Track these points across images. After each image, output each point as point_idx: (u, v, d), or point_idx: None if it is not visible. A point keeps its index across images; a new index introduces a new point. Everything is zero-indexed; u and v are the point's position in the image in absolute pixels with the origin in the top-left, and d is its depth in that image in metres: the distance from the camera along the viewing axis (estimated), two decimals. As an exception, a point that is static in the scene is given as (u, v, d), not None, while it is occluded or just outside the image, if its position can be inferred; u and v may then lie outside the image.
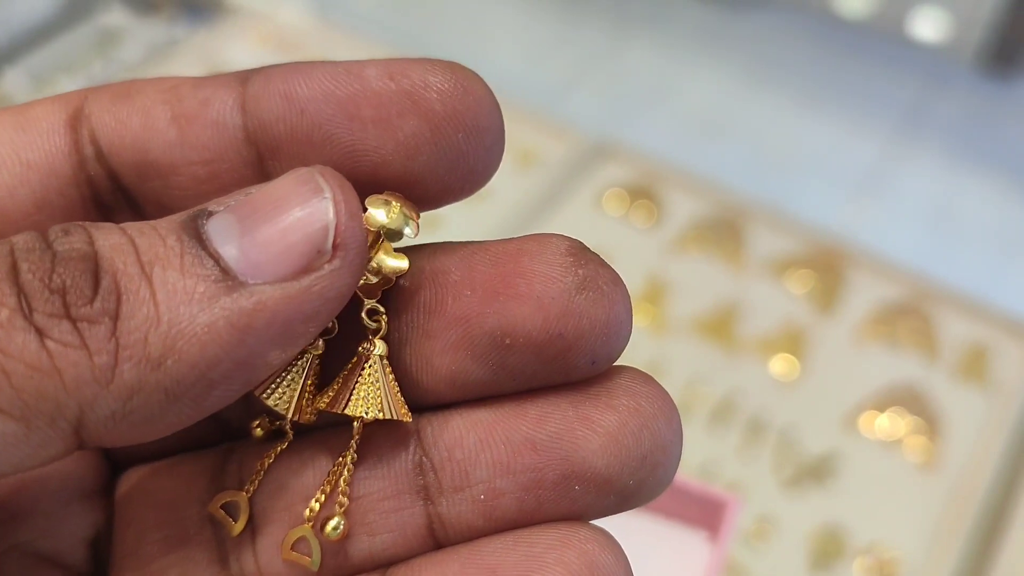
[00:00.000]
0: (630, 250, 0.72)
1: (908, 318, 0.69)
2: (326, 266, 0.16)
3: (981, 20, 1.13)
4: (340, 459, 0.18)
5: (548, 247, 0.17)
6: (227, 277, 0.15)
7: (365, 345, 0.18)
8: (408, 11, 1.13)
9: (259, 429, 0.20)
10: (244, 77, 0.19)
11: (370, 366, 0.18)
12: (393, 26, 1.10)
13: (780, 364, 0.67)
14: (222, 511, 0.19)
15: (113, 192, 0.19)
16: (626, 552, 0.26)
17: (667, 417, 0.18)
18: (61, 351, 0.14)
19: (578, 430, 0.17)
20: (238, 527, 0.19)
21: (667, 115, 1.06)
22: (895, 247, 0.92)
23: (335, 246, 0.16)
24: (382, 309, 0.18)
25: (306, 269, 0.16)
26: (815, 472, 0.62)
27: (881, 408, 0.64)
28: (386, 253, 0.18)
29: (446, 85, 0.17)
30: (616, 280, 0.18)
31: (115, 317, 0.15)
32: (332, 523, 0.18)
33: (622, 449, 0.17)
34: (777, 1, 1.24)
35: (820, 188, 0.99)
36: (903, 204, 0.99)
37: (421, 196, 0.18)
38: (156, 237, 0.16)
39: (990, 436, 0.64)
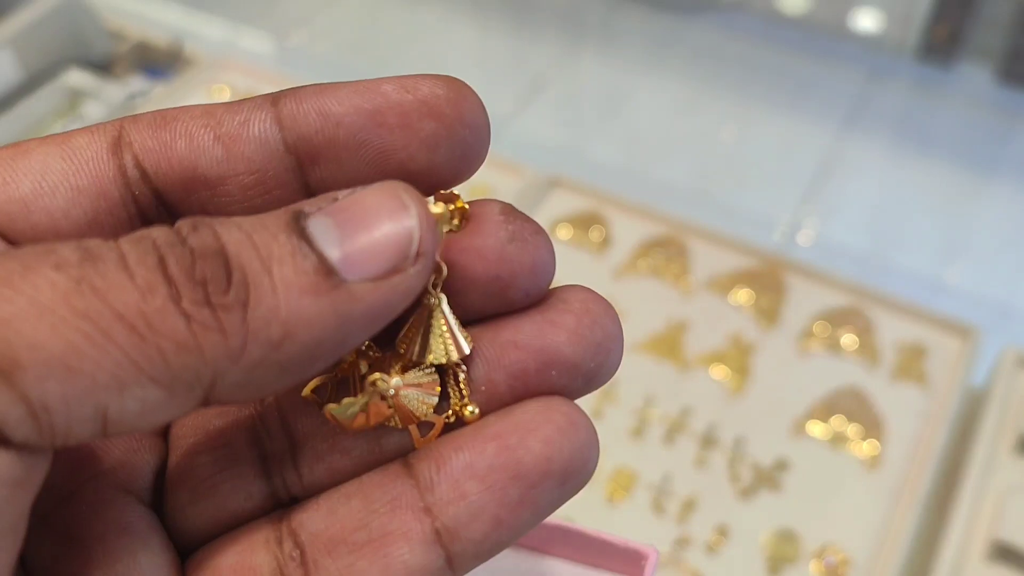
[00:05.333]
0: (583, 277, 0.76)
1: (848, 324, 0.73)
2: (410, 269, 0.19)
3: (918, 11, 1.17)
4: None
5: (486, 209, 0.22)
6: (331, 274, 0.19)
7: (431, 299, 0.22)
8: (365, 49, 1.16)
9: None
10: (273, 99, 0.22)
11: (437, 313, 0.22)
12: (350, 67, 1.13)
13: (729, 378, 0.70)
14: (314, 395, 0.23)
15: (157, 210, 0.22)
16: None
17: (611, 315, 0.22)
18: (203, 332, 0.18)
19: (547, 329, 0.22)
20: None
21: (623, 125, 1.10)
22: (846, 238, 0.96)
23: (417, 254, 0.19)
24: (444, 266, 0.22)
25: (395, 271, 0.19)
26: (768, 479, 0.66)
27: (826, 415, 0.68)
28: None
29: (451, 94, 0.22)
30: (538, 231, 0.22)
31: (245, 305, 0.18)
32: (470, 407, 0.22)
33: (582, 339, 0.22)
34: (722, 2, 1.27)
35: (773, 185, 1.02)
36: (854, 195, 1.03)
37: (438, 182, 0.22)
38: (269, 235, 0.19)
39: (930, 432, 0.68)
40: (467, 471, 0.21)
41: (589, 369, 0.22)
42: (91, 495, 0.22)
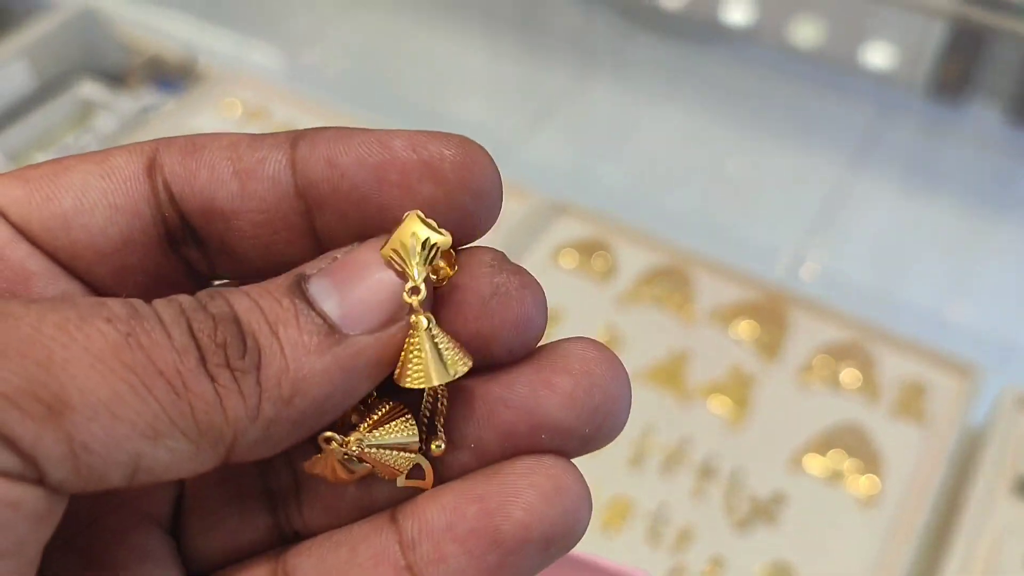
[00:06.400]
0: (586, 304, 0.76)
1: (849, 359, 0.73)
2: (406, 317, 0.20)
3: (929, 50, 1.17)
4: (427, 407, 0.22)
5: (473, 259, 0.22)
6: (333, 331, 0.20)
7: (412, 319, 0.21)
8: (376, 68, 1.16)
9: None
10: (293, 139, 0.22)
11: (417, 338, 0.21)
12: (360, 84, 1.14)
13: (729, 410, 0.70)
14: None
15: (183, 231, 0.23)
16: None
17: (614, 375, 0.22)
18: (226, 394, 0.19)
19: (540, 391, 0.21)
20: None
21: (631, 153, 1.10)
22: (851, 272, 0.96)
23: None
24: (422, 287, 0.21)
25: (392, 320, 0.20)
26: (765, 512, 0.66)
27: (824, 449, 0.68)
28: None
29: (457, 157, 0.21)
30: (525, 285, 0.22)
31: (258, 368, 0.19)
32: (436, 443, 0.22)
33: (577, 404, 0.21)
34: (733, 34, 1.28)
35: (779, 217, 1.03)
36: (860, 230, 1.03)
37: None
38: (274, 300, 0.20)
39: (928, 470, 0.68)
40: (447, 533, 0.21)
41: (584, 434, 0.21)
42: (114, 520, 0.23)
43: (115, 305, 0.19)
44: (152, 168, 0.23)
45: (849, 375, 0.72)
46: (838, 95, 1.23)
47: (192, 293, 0.22)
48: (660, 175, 1.07)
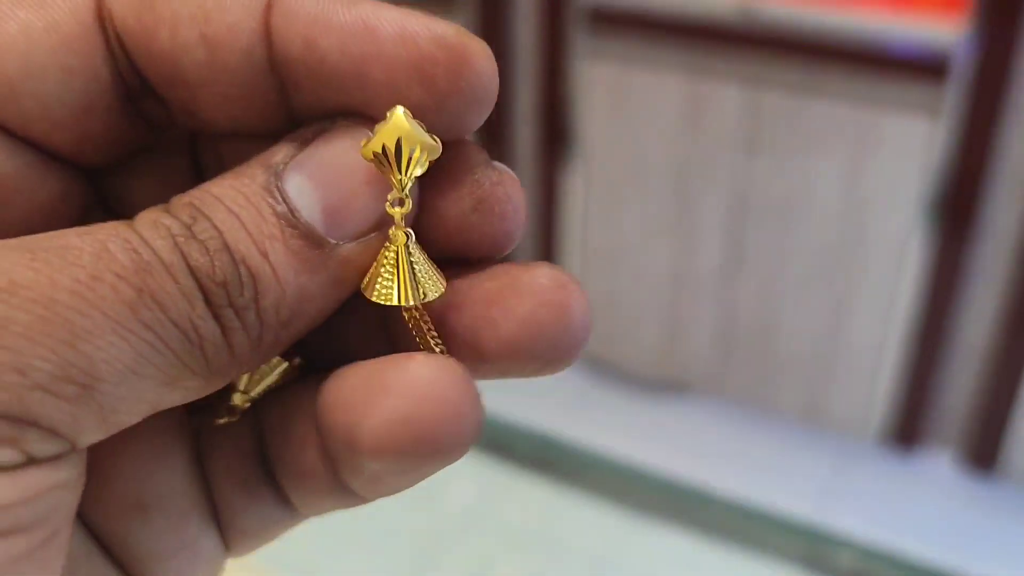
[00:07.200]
0: None
1: None
2: (386, 225, 0.19)
3: (880, 398, 1.21)
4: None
5: (460, 164, 0.20)
6: (320, 243, 0.19)
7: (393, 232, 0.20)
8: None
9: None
10: (269, 3, 0.19)
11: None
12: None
13: None
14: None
15: (143, 93, 0.20)
16: None
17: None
18: (230, 332, 0.18)
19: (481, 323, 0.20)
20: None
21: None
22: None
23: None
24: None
25: (379, 224, 0.19)
26: None
27: None
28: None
29: (453, 60, 0.19)
30: (508, 198, 0.20)
31: (256, 300, 0.18)
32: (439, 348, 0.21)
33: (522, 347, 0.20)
34: (697, 388, 1.31)
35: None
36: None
37: None
38: (255, 212, 0.19)
39: None
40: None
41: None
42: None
43: (117, 251, 0.18)
44: (102, 17, 0.19)
45: None
46: (795, 444, 1.25)
47: (154, 146, 0.22)
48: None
